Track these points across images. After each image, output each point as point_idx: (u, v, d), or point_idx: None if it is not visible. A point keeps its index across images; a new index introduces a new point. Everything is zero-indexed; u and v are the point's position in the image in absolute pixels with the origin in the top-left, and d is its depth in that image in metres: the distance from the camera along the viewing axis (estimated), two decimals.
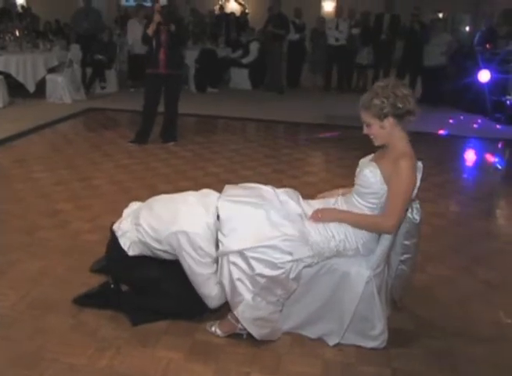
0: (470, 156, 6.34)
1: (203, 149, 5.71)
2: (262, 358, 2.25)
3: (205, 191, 2.49)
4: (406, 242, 2.32)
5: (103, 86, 8.86)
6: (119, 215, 3.73)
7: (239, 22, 11.82)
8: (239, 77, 10.20)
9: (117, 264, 2.48)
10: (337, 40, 9.61)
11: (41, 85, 7.87)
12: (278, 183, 2.51)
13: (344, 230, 2.26)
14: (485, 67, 7.85)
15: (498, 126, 7.44)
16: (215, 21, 11.61)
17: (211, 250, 2.24)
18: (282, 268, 2.14)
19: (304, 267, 2.22)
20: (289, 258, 2.15)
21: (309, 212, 2.35)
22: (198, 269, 2.25)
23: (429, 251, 3.26)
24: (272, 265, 2.13)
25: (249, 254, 2.13)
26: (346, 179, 4.60)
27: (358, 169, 2.37)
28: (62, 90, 7.71)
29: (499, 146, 6.51)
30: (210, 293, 2.30)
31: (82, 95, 8.14)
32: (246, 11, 13.75)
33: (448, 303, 2.77)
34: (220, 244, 2.20)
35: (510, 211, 4.51)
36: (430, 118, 7.39)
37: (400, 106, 2.14)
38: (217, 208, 2.28)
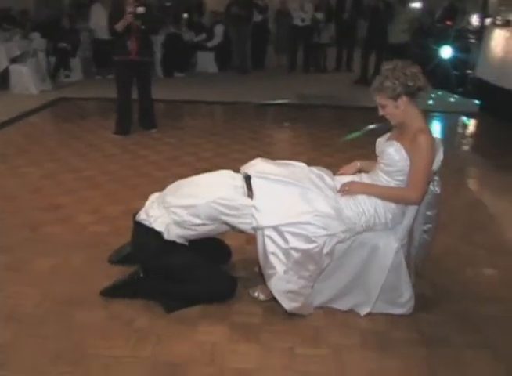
0: (437, 130, 6.58)
1: (185, 134, 5.67)
2: (301, 332, 2.32)
3: (223, 170, 2.52)
4: (428, 212, 2.43)
5: (67, 74, 8.56)
6: (122, 204, 3.69)
7: (198, 4, 11.63)
8: (206, 61, 10.10)
9: (148, 252, 2.45)
10: (302, 20, 9.63)
11: (3, 76, 7.53)
12: None
13: (374, 205, 2.34)
14: (446, 43, 8.14)
15: (461, 99, 7.74)
16: (175, 4, 11.38)
17: (248, 202, 2.29)
18: (315, 242, 2.21)
19: (337, 242, 2.30)
20: (323, 232, 2.22)
21: (337, 187, 2.42)
22: (242, 220, 2.31)
23: None
24: (307, 239, 2.21)
25: (284, 228, 2.21)
26: (332, 157, 4.75)
27: (377, 149, 2.45)
28: (27, 80, 7.39)
29: (465, 118, 6.81)
30: None
31: (48, 85, 7.83)
32: None
33: (455, 269, 2.92)
34: (253, 220, 2.25)
35: (480, 181, 4.74)
36: None
37: (411, 84, 2.23)
38: (244, 176, 2.37)
